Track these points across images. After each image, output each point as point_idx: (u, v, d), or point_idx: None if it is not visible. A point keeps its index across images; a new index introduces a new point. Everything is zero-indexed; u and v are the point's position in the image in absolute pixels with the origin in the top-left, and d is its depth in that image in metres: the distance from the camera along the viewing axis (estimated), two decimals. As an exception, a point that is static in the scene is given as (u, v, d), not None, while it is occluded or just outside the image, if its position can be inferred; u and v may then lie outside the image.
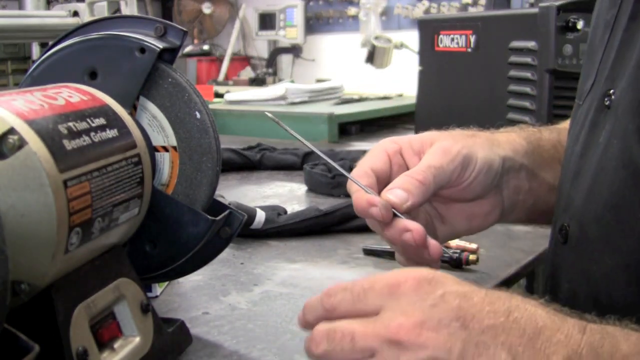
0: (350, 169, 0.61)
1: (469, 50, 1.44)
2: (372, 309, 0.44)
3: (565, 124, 0.68)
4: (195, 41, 3.59)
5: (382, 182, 0.59)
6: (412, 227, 0.55)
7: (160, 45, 0.54)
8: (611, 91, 0.53)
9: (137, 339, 0.49)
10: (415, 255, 0.56)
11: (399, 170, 0.60)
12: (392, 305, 0.44)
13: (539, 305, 0.43)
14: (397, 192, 0.56)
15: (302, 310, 0.48)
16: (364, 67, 2.53)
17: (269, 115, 0.57)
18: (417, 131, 1.39)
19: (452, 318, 0.42)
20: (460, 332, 0.41)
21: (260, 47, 3.59)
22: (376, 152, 0.61)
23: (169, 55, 0.55)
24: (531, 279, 1.22)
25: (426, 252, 0.55)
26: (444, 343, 0.41)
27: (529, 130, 0.69)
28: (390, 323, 0.43)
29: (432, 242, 0.55)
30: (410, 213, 0.57)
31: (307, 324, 0.47)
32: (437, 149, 0.59)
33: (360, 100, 2.09)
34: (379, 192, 0.57)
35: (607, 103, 0.54)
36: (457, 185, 0.60)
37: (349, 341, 0.44)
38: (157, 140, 0.55)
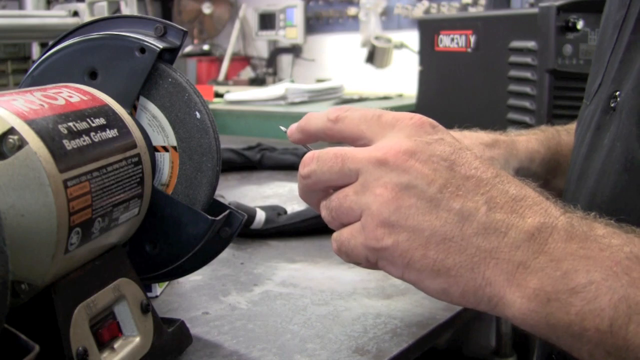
0: None
1: (469, 50, 1.44)
2: (372, 136, 0.46)
3: None
4: (195, 41, 3.59)
5: None
6: None
7: (160, 45, 0.54)
8: (617, 93, 0.53)
9: (137, 339, 0.49)
10: None
11: None
12: (391, 135, 0.45)
13: (529, 183, 0.45)
14: None
15: (305, 118, 0.51)
16: (364, 67, 2.53)
17: (283, 129, 0.57)
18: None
19: (442, 158, 0.43)
20: (446, 171, 0.43)
21: (260, 47, 3.58)
22: None
23: (169, 55, 0.55)
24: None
25: None
26: (427, 175, 0.43)
27: (549, 133, 0.69)
28: (382, 146, 0.45)
29: None
30: None
31: (308, 131, 0.51)
32: None
33: (360, 100, 2.09)
34: None
35: (612, 105, 0.54)
36: None
37: (339, 162, 0.46)
38: (157, 140, 0.55)
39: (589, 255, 0.39)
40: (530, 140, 0.66)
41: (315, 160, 0.48)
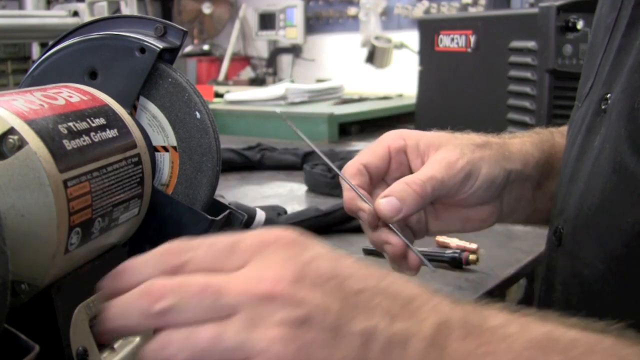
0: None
1: (469, 50, 1.44)
2: (235, 265, 0.39)
3: None
4: (195, 41, 3.59)
5: (377, 178, 0.60)
6: (392, 242, 0.57)
7: (160, 45, 0.54)
8: (608, 95, 0.53)
9: (137, 339, 0.49)
10: (395, 261, 0.58)
11: (398, 168, 0.61)
12: (260, 261, 0.39)
13: (410, 279, 0.42)
14: (392, 202, 0.56)
15: (114, 275, 0.40)
16: (364, 67, 2.53)
17: (278, 112, 0.57)
18: (417, 131, 1.39)
19: (328, 277, 0.39)
20: (336, 292, 0.39)
21: (260, 47, 3.59)
22: (377, 146, 0.61)
23: (169, 55, 0.55)
24: (531, 279, 1.22)
25: (404, 263, 0.57)
26: (321, 302, 0.38)
27: (543, 136, 0.69)
28: (263, 276, 0.38)
29: (412, 256, 0.57)
30: None
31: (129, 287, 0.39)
32: (442, 161, 0.59)
33: (360, 100, 2.09)
34: (372, 187, 0.59)
35: (603, 107, 0.54)
36: (454, 196, 0.60)
37: (210, 295, 0.37)
38: (157, 140, 0.55)
39: (488, 351, 0.38)
40: (524, 143, 0.66)
41: (174, 292, 0.37)
